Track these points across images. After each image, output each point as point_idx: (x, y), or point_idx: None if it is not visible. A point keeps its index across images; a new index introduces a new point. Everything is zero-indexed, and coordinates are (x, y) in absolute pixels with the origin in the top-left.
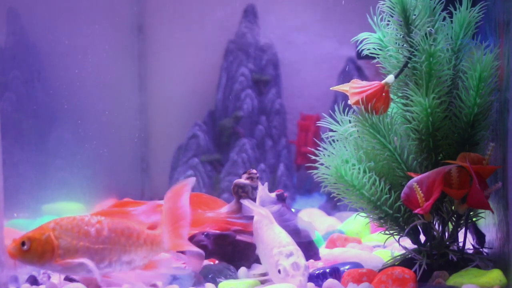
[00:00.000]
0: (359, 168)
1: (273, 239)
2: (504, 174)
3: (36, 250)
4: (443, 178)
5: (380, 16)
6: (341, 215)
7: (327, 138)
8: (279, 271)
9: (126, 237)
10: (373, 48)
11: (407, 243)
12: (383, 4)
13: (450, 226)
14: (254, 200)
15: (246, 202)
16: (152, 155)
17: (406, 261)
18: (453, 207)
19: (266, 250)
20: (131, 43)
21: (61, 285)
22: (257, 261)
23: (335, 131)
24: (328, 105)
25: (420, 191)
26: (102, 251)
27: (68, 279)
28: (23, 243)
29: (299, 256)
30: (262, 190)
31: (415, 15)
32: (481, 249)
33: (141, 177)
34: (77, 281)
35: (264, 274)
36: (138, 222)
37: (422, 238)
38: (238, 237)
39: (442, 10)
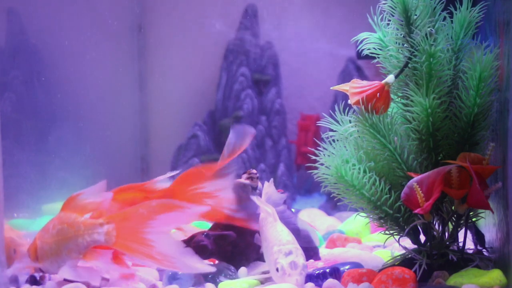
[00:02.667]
0: (359, 168)
1: (274, 237)
2: (504, 174)
3: (30, 250)
4: (443, 178)
5: (381, 16)
6: (341, 215)
7: (327, 138)
8: (277, 269)
9: (64, 228)
10: (373, 48)
11: (407, 243)
12: (384, 4)
13: (450, 226)
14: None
15: (254, 199)
16: (152, 155)
17: (406, 261)
18: (453, 207)
19: (268, 248)
20: (131, 42)
21: (60, 285)
22: (259, 260)
23: (335, 131)
24: (328, 105)
25: (420, 191)
26: (44, 246)
27: (68, 279)
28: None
29: (298, 255)
30: (269, 187)
31: (416, 15)
32: (484, 250)
33: (141, 177)
34: (77, 281)
35: (266, 273)
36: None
37: (422, 238)
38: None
39: (442, 10)
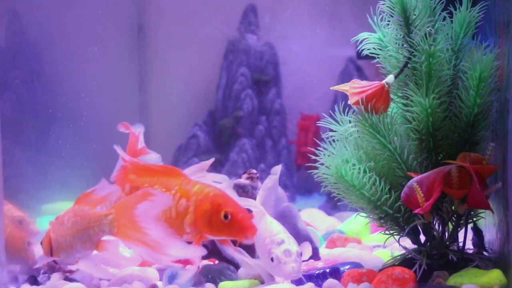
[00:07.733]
0: (359, 168)
1: (265, 229)
2: (504, 174)
3: (44, 244)
4: (443, 178)
5: (380, 16)
6: (341, 215)
7: (327, 138)
8: (272, 260)
9: (78, 220)
10: (373, 48)
11: (407, 243)
12: (383, 4)
13: (450, 226)
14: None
15: (242, 200)
16: None
17: (406, 261)
18: (453, 207)
19: (260, 242)
20: (131, 42)
21: (61, 285)
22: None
23: (335, 131)
24: (328, 105)
25: (420, 191)
26: (59, 239)
27: (68, 279)
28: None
29: (290, 243)
30: (271, 181)
31: (415, 15)
32: (483, 251)
33: None
34: (77, 281)
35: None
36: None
37: (422, 238)
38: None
39: (442, 10)
